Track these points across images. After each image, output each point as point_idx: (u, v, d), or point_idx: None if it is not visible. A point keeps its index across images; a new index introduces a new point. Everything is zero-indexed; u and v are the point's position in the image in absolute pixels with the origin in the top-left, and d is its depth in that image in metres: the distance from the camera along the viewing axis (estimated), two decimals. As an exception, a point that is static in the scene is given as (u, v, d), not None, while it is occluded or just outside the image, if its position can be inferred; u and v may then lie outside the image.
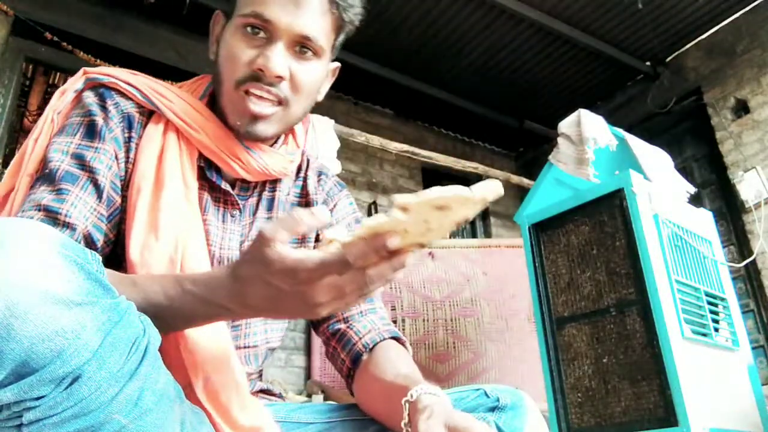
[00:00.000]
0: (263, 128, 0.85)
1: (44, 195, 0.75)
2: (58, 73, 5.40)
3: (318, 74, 0.88)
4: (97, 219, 0.78)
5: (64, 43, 3.75)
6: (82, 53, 3.77)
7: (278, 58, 0.82)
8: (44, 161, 0.79)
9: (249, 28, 0.83)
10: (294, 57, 0.84)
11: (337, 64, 0.97)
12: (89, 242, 0.77)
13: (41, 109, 5.96)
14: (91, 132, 0.81)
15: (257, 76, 0.82)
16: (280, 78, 0.83)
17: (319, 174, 1.02)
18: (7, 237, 0.51)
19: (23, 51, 3.81)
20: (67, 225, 0.74)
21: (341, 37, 0.92)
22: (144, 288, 0.67)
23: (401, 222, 0.55)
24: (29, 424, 0.50)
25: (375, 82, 4.56)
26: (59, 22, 3.87)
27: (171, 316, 0.66)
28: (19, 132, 6.41)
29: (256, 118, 0.84)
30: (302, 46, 0.84)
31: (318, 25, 0.84)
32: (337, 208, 1.00)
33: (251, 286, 0.60)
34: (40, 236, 0.52)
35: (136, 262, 0.76)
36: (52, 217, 0.74)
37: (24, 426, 0.51)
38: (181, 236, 0.79)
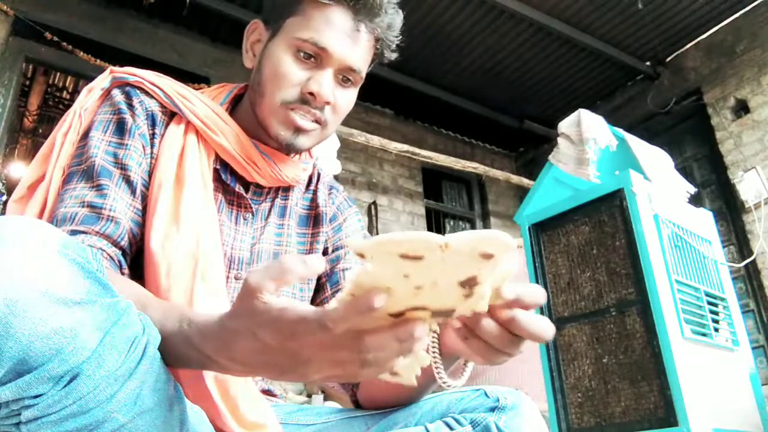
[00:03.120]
0: (303, 141, 0.89)
1: (85, 192, 0.79)
2: (58, 73, 5.41)
3: (353, 100, 0.94)
4: (134, 213, 0.82)
5: (64, 43, 3.75)
6: (82, 53, 3.77)
7: (329, 86, 0.87)
8: (82, 156, 0.83)
9: (302, 53, 0.87)
10: (338, 83, 0.89)
11: None
12: (131, 236, 0.80)
13: (41, 109, 5.96)
14: (121, 129, 0.85)
15: (306, 100, 0.87)
16: (328, 104, 0.88)
17: (330, 188, 1.06)
18: (7, 235, 0.51)
19: (23, 51, 3.81)
20: (111, 219, 0.78)
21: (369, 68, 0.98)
22: (151, 313, 0.64)
23: (373, 275, 0.45)
24: (28, 422, 0.50)
25: (375, 82, 4.56)
26: (59, 22, 3.87)
27: (164, 351, 0.61)
28: (19, 132, 6.41)
29: (298, 130, 0.88)
30: (346, 75, 0.89)
31: (364, 59, 0.90)
32: (347, 224, 1.03)
33: (238, 339, 0.54)
34: (40, 235, 0.52)
35: (156, 252, 0.78)
36: (97, 212, 0.78)
37: (23, 424, 0.51)
38: (200, 230, 0.82)
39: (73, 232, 0.75)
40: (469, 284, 0.46)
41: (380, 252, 0.44)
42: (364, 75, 0.92)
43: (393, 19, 0.92)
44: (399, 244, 0.43)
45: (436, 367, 0.63)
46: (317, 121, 0.89)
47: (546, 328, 0.54)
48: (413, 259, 0.44)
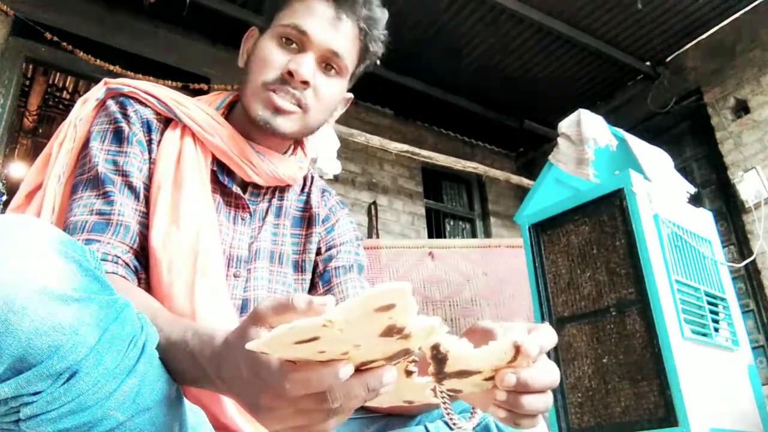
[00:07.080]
0: (282, 122, 0.90)
1: (92, 200, 0.81)
2: (58, 73, 5.40)
3: (338, 91, 0.95)
4: (140, 217, 0.84)
5: (64, 43, 3.75)
6: (82, 53, 3.77)
7: (308, 66, 0.89)
8: (85, 167, 0.85)
9: (284, 39, 0.91)
10: (320, 70, 0.92)
11: (351, 95, 1.03)
12: (141, 238, 0.82)
13: (41, 109, 5.96)
14: (119, 138, 0.87)
15: (285, 80, 0.89)
16: (306, 84, 0.89)
17: (323, 191, 1.08)
18: (6, 233, 0.51)
19: (23, 51, 3.81)
20: (121, 224, 0.80)
21: (360, 68, 0.99)
22: (159, 322, 0.64)
23: (297, 355, 0.46)
24: (27, 419, 0.50)
25: (375, 82, 4.56)
26: (59, 22, 3.87)
27: (166, 361, 0.61)
28: (19, 132, 6.40)
29: (277, 110, 0.89)
30: (329, 62, 0.92)
31: (347, 46, 0.92)
32: (339, 225, 1.05)
33: (228, 357, 0.54)
34: (39, 233, 0.52)
35: (157, 249, 0.81)
36: (106, 218, 0.80)
37: (22, 421, 0.51)
38: (200, 229, 0.84)
39: (88, 241, 0.77)
40: (391, 333, 0.44)
41: (280, 345, 0.45)
42: (348, 64, 0.93)
43: (374, 13, 0.95)
44: (286, 336, 0.44)
45: (446, 410, 0.64)
46: (299, 105, 0.90)
47: (546, 404, 0.55)
48: (312, 341, 0.44)
